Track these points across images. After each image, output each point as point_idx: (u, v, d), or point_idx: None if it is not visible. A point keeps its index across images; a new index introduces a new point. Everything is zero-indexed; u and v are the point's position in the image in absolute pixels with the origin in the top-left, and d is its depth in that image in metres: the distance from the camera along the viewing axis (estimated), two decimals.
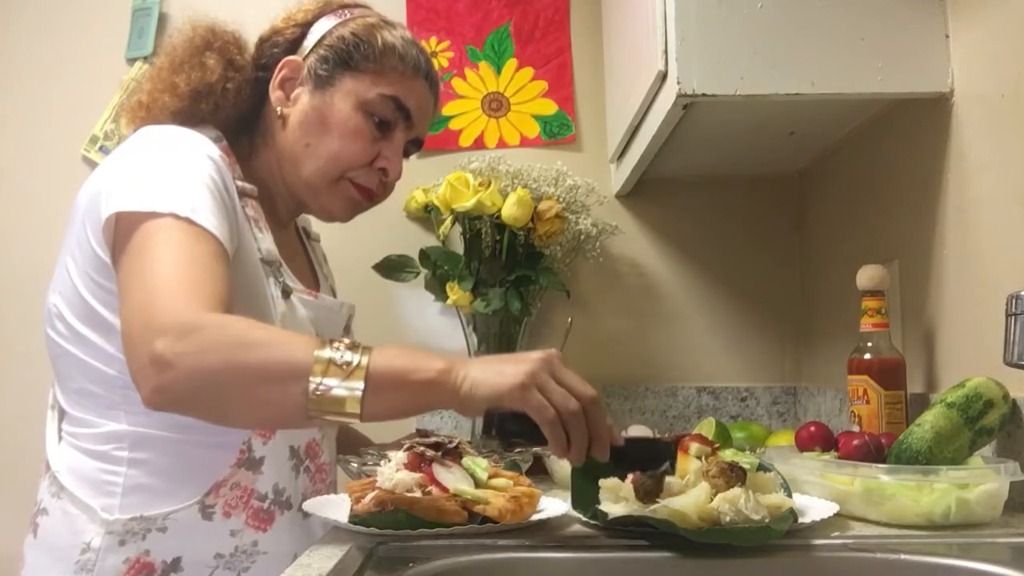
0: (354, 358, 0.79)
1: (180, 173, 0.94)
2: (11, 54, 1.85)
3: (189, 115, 1.05)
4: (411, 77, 1.10)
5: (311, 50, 1.09)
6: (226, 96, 1.06)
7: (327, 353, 0.79)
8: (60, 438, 1.00)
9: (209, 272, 0.86)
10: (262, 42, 1.13)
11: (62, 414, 1.01)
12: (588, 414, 0.80)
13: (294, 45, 1.11)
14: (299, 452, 1.04)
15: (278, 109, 1.09)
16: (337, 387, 0.78)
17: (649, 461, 0.85)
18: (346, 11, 1.12)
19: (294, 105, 1.08)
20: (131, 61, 1.82)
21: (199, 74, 1.05)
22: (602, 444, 0.82)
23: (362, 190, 1.11)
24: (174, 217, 0.88)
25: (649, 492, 0.82)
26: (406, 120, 1.11)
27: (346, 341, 0.81)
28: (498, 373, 0.80)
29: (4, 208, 1.81)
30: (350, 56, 1.08)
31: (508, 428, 0.88)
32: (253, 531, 0.98)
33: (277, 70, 1.09)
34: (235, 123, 1.09)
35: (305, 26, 1.11)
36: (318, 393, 0.78)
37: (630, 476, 0.85)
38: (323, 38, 1.09)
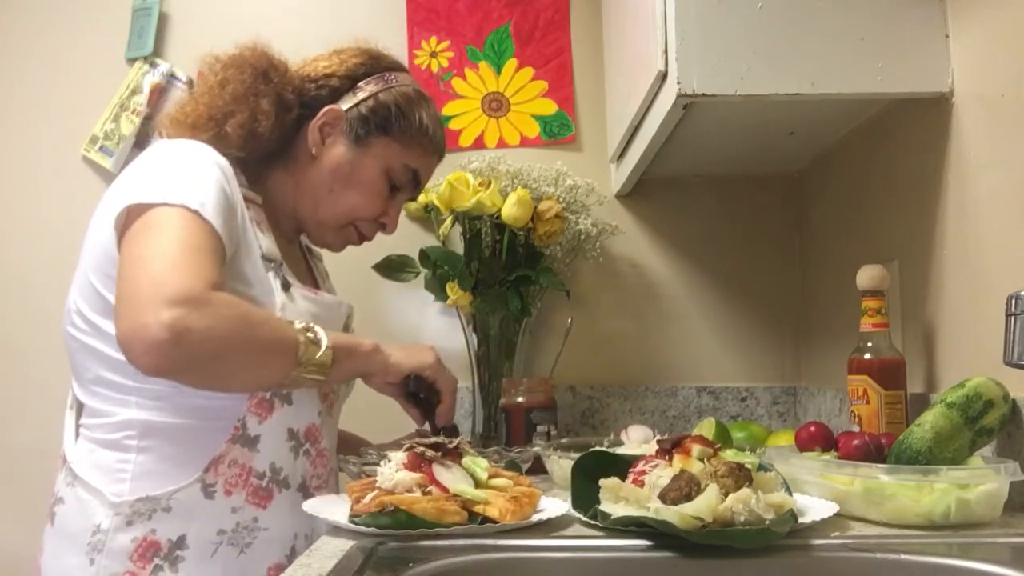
0: (322, 336, 1.01)
1: (191, 173, 1.01)
2: (11, 54, 1.85)
3: (221, 146, 1.10)
4: (430, 154, 1.25)
5: (354, 106, 1.19)
6: (270, 136, 1.14)
7: (305, 333, 1.00)
8: (78, 435, 1.05)
9: (210, 260, 0.95)
10: (310, 80, 1.20)
11: (79, 409, 1.06)
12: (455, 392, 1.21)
13: (338, 94, 1.19)
14: (298, 435, 1.08)
15: (312, 149, 1.18)
16: (317, 358, 1.00)
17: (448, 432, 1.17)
18: (392, 76, 1.22)
19: (328, 150, 1.18)
20: (131, 61, 1.82)
21: (252, 121, 1.12)
22: (450, 415, 1.21)
23: (360, 236, 1.25)
24: (184, 208, 0.96)
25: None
26: (415, 187, 1.26)
27: (305, 323, 1.01)
28: (412, 354, 1.17)
29: (4, 208, 1.81)
30: (389, 124, 1.19)
31: (423, 388, 1.19)
32: (253, 508, 1.03)
33: (321, 114, 1.18)
34: (264, 142, 1.15)
35: (353, 80, 1.20)
36: (302, 363, 0.99)
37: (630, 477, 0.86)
38: (367, 98, 1.19)
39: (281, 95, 1.15)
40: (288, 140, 1.18)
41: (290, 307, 1.06)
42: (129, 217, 0.97)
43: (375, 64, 1.22)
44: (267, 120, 1.13)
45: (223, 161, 1.06)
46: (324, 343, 1.01)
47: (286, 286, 1.07)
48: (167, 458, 1.00)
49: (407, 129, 1.20)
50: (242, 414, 1.03)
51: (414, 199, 1.32)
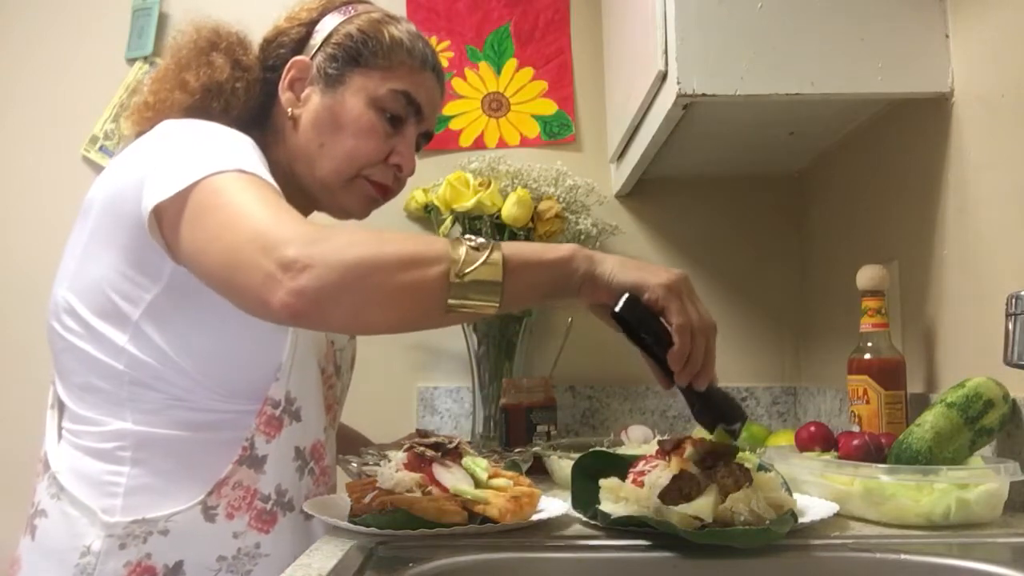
0: (487, 242, 0.81)
1: (225, 140, 0.93)
2: (11, 54, 1.85)
3: (201, 112, 1.02)
4: (419, 70, 1.11)
5: (318, 49, 1.09)
6: (236, 95, 1.06)
7: (461, 242, 0.80)
8: (60, 437, 0.99)
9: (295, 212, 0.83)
10: (267, 43, 1.12)
11: (62, 411, 1.00)
12: (708, 341, 0.84)
13: (300, 45, 1.10)
14: (304, 453, 1.02)
15: (289, 110, 1.08)
16: (478, 266, 0.79)
17: (729, 415, 0.87)
18: (349, 7, 1.12)
19: (305, 105, 1.08)
20: (131, 61, 1.82)
21: (208, 71, 1.04)
22: (707, 375, 0.85)
23: (378, 187, 1.11)
24: (239, 172, 0.86)
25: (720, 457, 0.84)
26: (417, 114, 1.11)
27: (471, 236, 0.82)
28: (641, 268, 0.85)
29: (4, 208, 1.81)
30: (359, 53, 1.08)
31: (640, 318, 0.85)
32: (256, 533, 0.96)
33: (286, 71, 1.09)
34: (245, 123, 1.07)
35: (310, 25, 1.11)
36: (461, 275, 0.78)
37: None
38: (329, 36, 1.09)
39: (235, 58, 1.07)
40: (267, 111, 1.10)
41: None
42: (172, 209, 0.86)
43: (329, 3, 1.12)
44: (223, 74, 1.04)
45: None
46: (489, 249, 0.80)
47: None
48: (163, 473, 0.94)
49: (379, 50, 1.08)
50: (250, 432, 0.96)
51: (427, 129, 1.15)
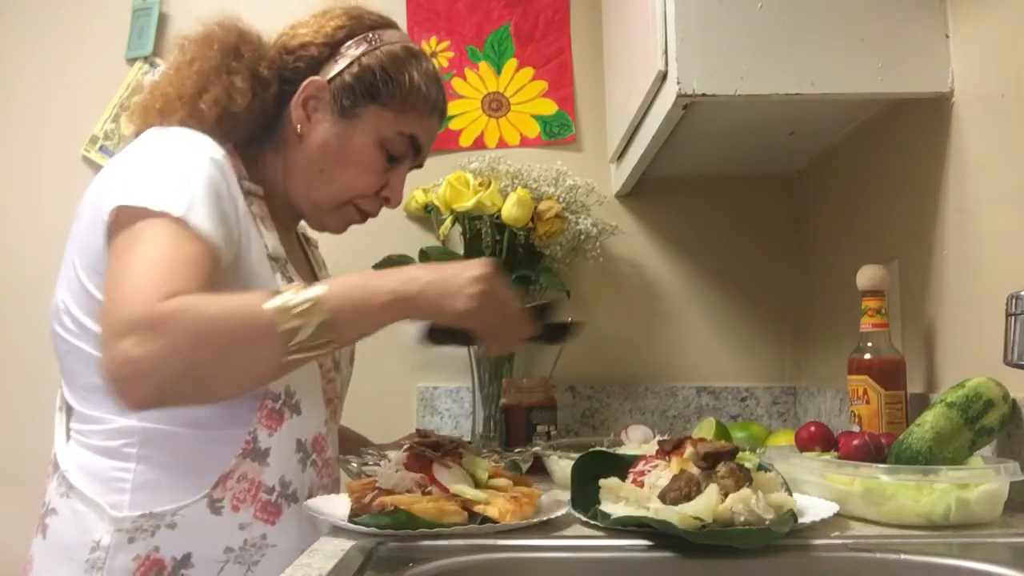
0: (311, 300, 0.84)
1: (180, 172, 0.94)
2: (11, 54, 1.85)
3: (203, 131, 1.03)
4: (428, 115, 1.13)
5: (337, 74, 1.09)
6: (249, 115, 1.06)
7: (281, 300, 0.84)
8: (68, 437, 1.00)
9: (184, 270, 0.86)
10: (288, 52, 1.11)
11: (70, 412, 1.01)
12: (514, 324, 0.97)
13: (319, 64, 1.10)
14: (306, 446, 1.04)
15: (298, 126, 1.09)
16: (307, 336, 0.84)
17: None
18: (375, 35, 1.11)
19: (314, 127, 1.09)
20: (131, 61, 1.82)
21: (227, 98, 1.04)
22: (517, 345, 1.01)
23: (362, 213, 1.15)
24: (167, 217, 0.89)
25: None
26: (416, 154, 1.15)
27: (296, 284, 0.87)
28: (449, 296, 0.90)
29: (4, 208, 1.81)
30: (377, 90, 1.09)
31: (442, 339, 1.00)
32: (262, 524, 0.98)
33: (302, 88, 1.08)
34: (248, 134, 1.09)
35: (334, 47, 1.10)
36: (289, 343, 0.84)
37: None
38: (351, 64, 1.09)
39: (255, 71, 1.07)
40: (274, 120, 1.10)
41: None
42: (116, 222, 0.91)
43: (357, 24, 1.11)
44: (242, 98, 1.04)
45: (219, 154, 0.98)
46: (313, 311, 0.84)
47: None
48: (169, 468, 0.95)
49: (396, 93, 1.09)
50: (252, 426, 0.98)
51: (419, 166, 1.19)
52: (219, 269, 0.91)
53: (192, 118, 1.03)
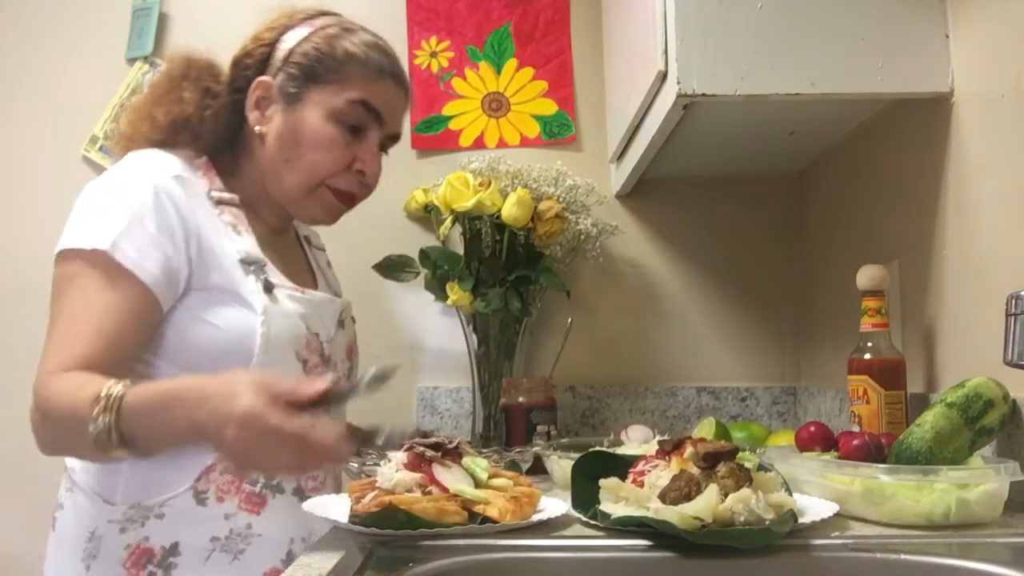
0: (108, 425, 0.87)
1: (108, 207, 1.01)
2: (12, 53, 1.85)
3: (169, 143, 1.10)
4: (375, 79, 1.12)
5: (279, 69, 1.12)
6: (204, 124, 1.12)
7: (95, 410, 0.87)
8: None
9: (95, 328, 0.95)
10: (235, 64, 1.15)
11: None
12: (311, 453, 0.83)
13: (264, 64, 1.13)
14: None
15: (256, 128, 1.12)
16: (108, 438, 0.87)
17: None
18: (308, 23, 1.14)
19: (269, 123, 1.12)
20: (131, 61, 1.82)
21: (177, 107, 1.11)
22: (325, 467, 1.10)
23: (341, 194, 1.14)
24: (92, 256, 0.97)
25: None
26: (377, 120, 1.13)
27: (109, 390, 0.88)
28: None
29: (4, 208, 1.81)
30: (314, 70, 1.11)
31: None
32: (247, 514, 1.03)
33: (251, 91, 1.12)
34: (216, 143, 1.14)
35: (272, 45, 1.14)
36: (100, 444, 0.88)
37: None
38: (288, 55, 1.12)
39: (203, 85, 1.12)
40: (238, 129, 1.15)
41: (273, 309, 1.03)
42: (55, 266, 1.00)
43: (289, 20, 1.15)
44: (192, 107, 1.10)
45: (168, 175, 1.03)
46: (112, 433, 0.86)
47: (268, 288, 1.04)
48: (157, 463, 0.97)
49: (333, 67, 1.10)
50: None
51: (391, 134, 1.17)
52: (150, 296, 0.98)
53: (154, 130, 1.10)
